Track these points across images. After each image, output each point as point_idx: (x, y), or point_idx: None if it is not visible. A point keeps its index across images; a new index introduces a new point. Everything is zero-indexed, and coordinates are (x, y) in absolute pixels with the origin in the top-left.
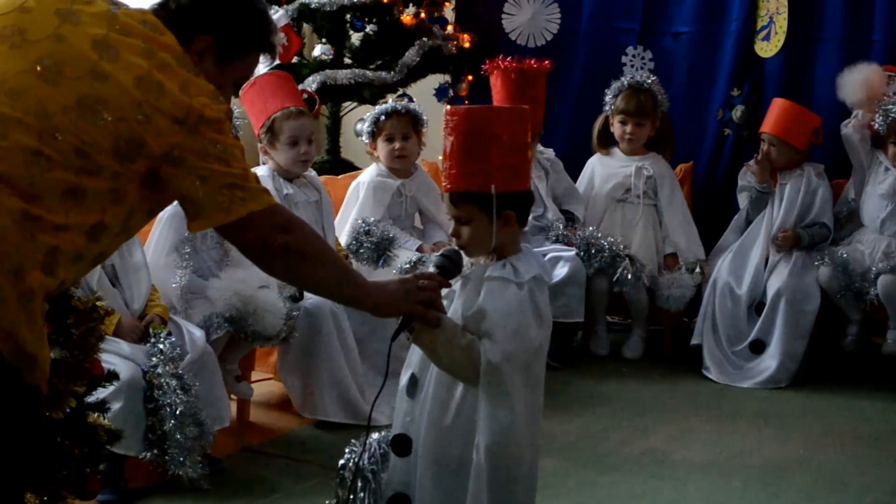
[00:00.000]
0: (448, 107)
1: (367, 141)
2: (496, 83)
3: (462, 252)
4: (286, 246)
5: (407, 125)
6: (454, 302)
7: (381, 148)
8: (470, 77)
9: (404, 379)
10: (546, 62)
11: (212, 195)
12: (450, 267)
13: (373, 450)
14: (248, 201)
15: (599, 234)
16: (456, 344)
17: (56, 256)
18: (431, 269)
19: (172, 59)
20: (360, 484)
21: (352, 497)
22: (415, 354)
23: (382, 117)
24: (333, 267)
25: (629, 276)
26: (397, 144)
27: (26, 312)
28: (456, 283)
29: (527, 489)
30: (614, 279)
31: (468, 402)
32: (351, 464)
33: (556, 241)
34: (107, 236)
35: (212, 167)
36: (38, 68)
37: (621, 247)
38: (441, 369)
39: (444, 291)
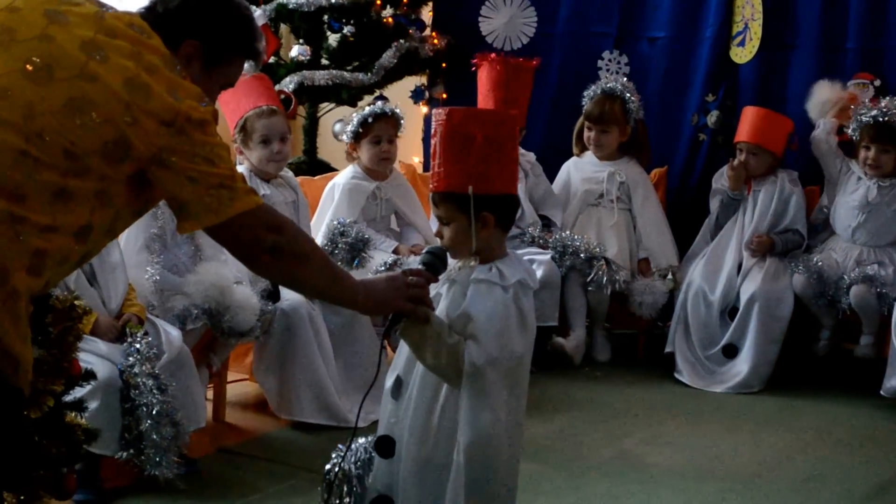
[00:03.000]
0: (425, 109)
1: (349, 141)
2: (482, 76)
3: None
4: (275, 246)
5: (393, 128)
6: (440, 304)
7: (367, 149)
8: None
9: (389, 381)
10: (534, 60)
11: (200, 196)
12: (436, 264)
13: (359, 454)
14: (236, 201)
15: (576, 237)
16: (443, 341)
17: (43, 258)
18: (418, 266)
19: (160, 62)
20: (345, 488)
21: (337, 502)
22: (400, 356)
23: (371, 119)
24: (322, 266)
25: (605, 279)
26: (384, 147)
27: (11, 314)
28: (442, 286)
29: (506, 491)
30: (589, 280)
31: (452, 405)
32: (337, 468)
33: (532, 245)
34: (93, 237)
35: (199, 168)
36: (27, 68)
37: (597, 249)
38: (427, 368)
39: (431, 293)
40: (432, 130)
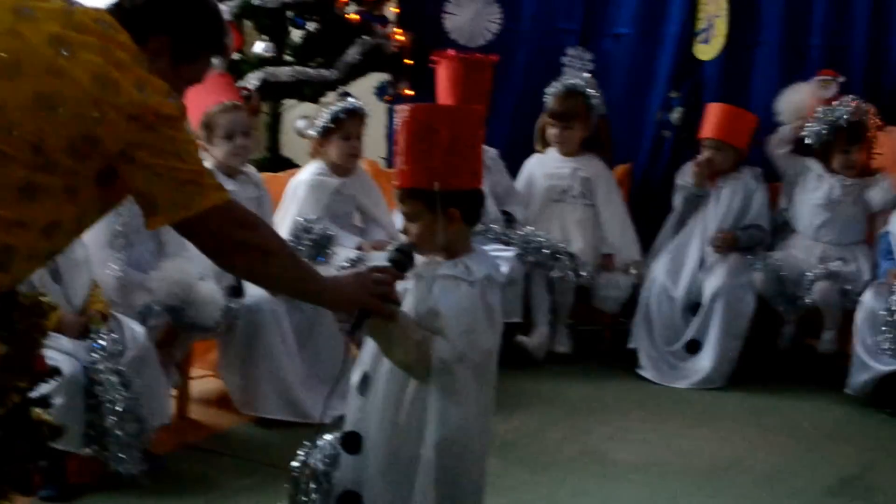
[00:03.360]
0: (388, 105)
1: (316, 137)
2: (440, 73)
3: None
4: (243, 242)
5: (361, 125)
6: (407, 299)
7: (336, 146)
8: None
9: (356, 377)
10: (492, 56)
11: (168, 192)
12: (403, 261)
13: (325, 450)
14: (205, 197)
15: (539, 233)
16: (410, 338)
17: (10, 254)
18: (385, 263)
19: (128, 58)
20: (312, 485)
21: (304, 499)
22: (367, 352)
23: (342, 115)
24: (290, 263)
25: (570, 274)
26: (354, 143)
27: None
28: (409, 282)
29: (474, 486)
30: (553, 276)
31: (420, 400)
32: (304, 464)
33: (495, 241)
34: (60, 234)
35: (168, 164)
36: None
37: (561, 244)
38: (394, 364)
39: (398, 288)
40: (395, 127)
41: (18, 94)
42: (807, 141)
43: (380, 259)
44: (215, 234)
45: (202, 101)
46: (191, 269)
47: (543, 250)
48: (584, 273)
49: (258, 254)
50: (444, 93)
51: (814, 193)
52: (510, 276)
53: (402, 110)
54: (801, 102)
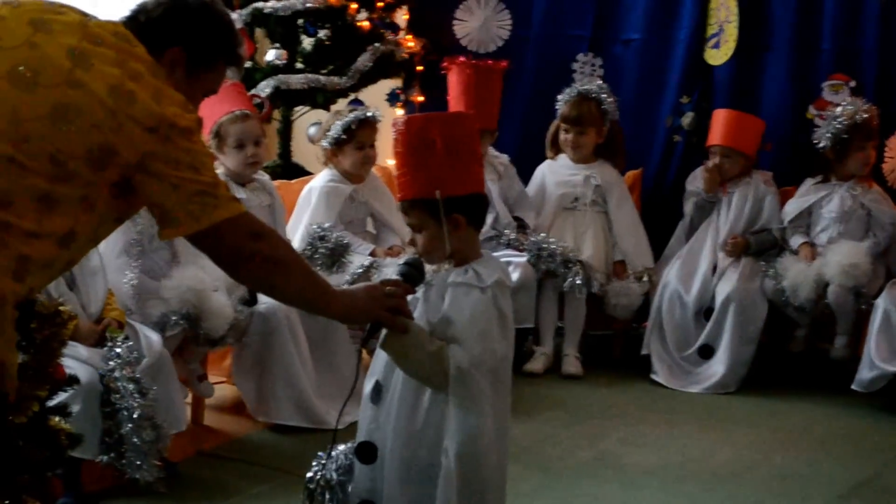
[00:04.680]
0: (400, 111)
1: (329, 147)
2: (452, 80)
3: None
4: (256, 254)
5: (374, 132)
6: (418, 309)
7: (350, 154)
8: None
9: (368, 386)
10: (503, 62)
11: (183, 203)
12: (413, 274)
13: (339, 461)
14: (219, 209)
15: (552, 240)
16: (424, 350)
17: (27, 264)
18: (395, 277)
19: (144, 70)
20: (327, 496)
21: None
22: (378, 361)
23: (354, 125)
24: (302, 275)
25: (580, 283)
26: (368, 151)
27: None
28: (419, 291)
29: (496, 492)
30: (565, 285)
31: (436, 407)
32: (318, 476)
33: (508, 247)
34: (77, 244)
35: (183, 175)
36: (13, 75)
37: (571, 253)
38: (409, 376)
39: (408, 298)
40: (393, 141)
41: (36, 105)
42: (821, 144)
43: (393, 265)
44: (229, 245)
45: (214, 109)
46: (204, 279)
47: (555, 257)
48: (595, 281)
49: (271, 266)
50: (455, 98)
51: (826, 207)
52: (523, 282)
53: (397, 124)
54: None
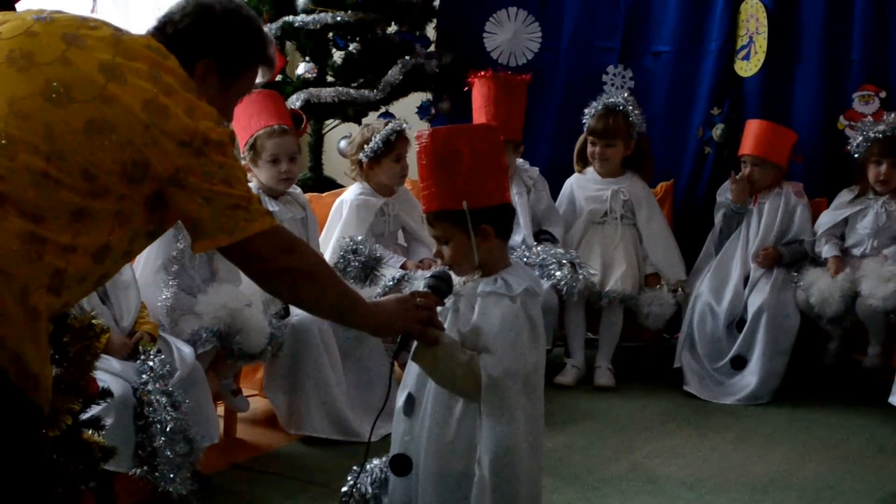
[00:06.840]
0: (431, 124)
1: (366, 160)
2: (476, 93)
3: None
4: (289, 267)
5: (407, 144)
6: (448, 319)
7: (388, 167)
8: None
9: (401, 399)
10: (526, 75)
11: (216, 216)
12: (441, 287)
13: (374, 475)
14: (252, 222)
15: (556, 249)
16: (455, 360)
17: (62, 278)
18: (423, 290)
19: (177, 83)
20: None
21: None
22: (410, 374)
23: (393, 137)
24: (334, 288)
25: (573, 282)
26: (404, 164)
27: (32, 333)
28: (448, 301)
29: (530, 502)
30: (558, 287)
31: (468, 417)
32: (353, 489)
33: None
34: (111, 258)
35: (216, 189)
36: (47, 91)
37: (565, 256)
38: (441, 387)
39: (438, 310)
40: (417, 153)
41: (70, 121)
42: (855, 154)
43: (423, 277)
44: (262, 258)
45: (251, 122)
46: (238, 296)
47: (551, 263)
48: (590, 273)
49: (303, 279)
50: (478, 111)
51: (861, 222)
52: (544, 306)
53: (422, 137)
54: None
